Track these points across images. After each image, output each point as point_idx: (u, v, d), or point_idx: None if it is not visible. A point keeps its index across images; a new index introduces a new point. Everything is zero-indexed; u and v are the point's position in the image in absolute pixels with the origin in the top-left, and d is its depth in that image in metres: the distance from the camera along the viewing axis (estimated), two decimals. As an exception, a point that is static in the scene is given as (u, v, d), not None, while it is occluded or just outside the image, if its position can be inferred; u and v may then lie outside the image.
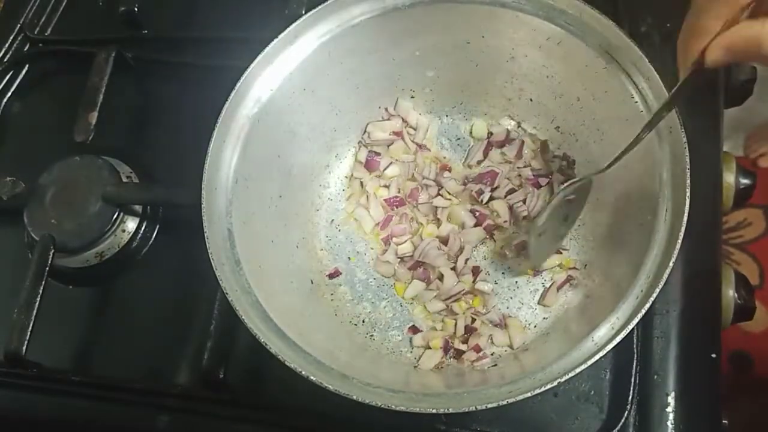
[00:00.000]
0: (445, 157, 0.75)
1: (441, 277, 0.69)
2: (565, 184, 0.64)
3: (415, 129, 0.76)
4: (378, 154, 0.74)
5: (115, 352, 0.73)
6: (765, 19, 0.45)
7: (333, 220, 0.74)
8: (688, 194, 0.55)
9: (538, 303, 0.67)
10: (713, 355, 0.63)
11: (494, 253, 0.70)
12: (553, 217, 0.65)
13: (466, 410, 0.51)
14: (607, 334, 0.53)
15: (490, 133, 0.74)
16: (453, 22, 0.68)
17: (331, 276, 0.70)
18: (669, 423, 0.61)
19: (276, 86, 0.67)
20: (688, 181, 0.55)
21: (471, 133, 0.75)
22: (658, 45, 0.73)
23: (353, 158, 0.76)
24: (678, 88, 0.54)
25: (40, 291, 0.70)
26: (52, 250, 0.72)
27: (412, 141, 0.75)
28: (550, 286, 0.67)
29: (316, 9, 0.66)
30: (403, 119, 0.75)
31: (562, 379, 0.51)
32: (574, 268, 0.67)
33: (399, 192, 0.74)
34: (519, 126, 0.74)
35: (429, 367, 0.64)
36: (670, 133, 0.58)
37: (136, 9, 0.85)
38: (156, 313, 0.74)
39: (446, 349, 0.65)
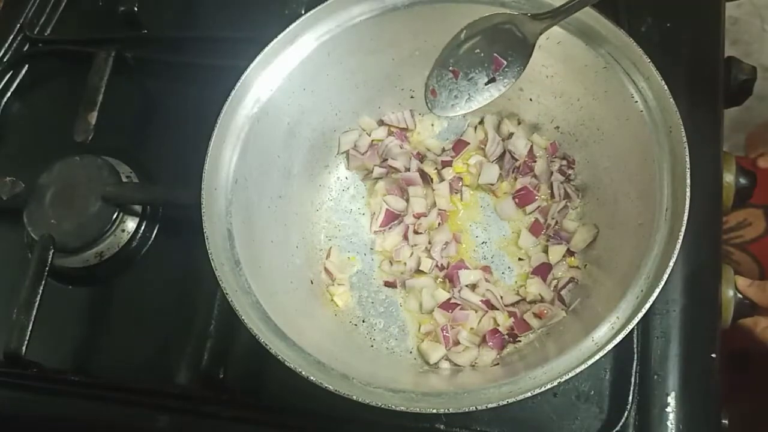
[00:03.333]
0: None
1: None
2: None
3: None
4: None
5: (114, 352, 0.73)
6: None
7: (333, 220, 0.74)
8: (688, 194, 0.55)
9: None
10: (713, 355, 0.63)
11: None
12: (473, 63, 0.62)
13: (466, 410, 0.51)
14: (607, 333, 0.53)
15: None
16: (452, 22, 0.68)
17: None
18: (669, 423, 0.61)
19: (276, 86, 0.67)
20: (688, 181, 0.55)
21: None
22: (658, 45, 0.73)
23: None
24: None
25: (40, 291, 0.70)
26: (52, 250, 0.72)
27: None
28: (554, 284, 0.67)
29: (316, 9, 0.67)
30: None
31: (562, 379, 0.51)
32: (576, 267, 0.67)
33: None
34: (519, 124, 0.74)
35: (436, 360, 0.64)
36: (670, 133, 0.58)
37: (135, 9, 0.85)
38: (156, 313, 0.74)
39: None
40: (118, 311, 0.76)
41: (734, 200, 0.72)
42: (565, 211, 0.69)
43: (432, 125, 0.76)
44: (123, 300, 0.76)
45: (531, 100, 0.72)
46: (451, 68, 0.62)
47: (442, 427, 0.62)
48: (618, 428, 0.60)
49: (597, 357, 0.51)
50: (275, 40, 0.66)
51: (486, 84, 0.62)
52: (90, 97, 0.80)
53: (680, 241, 0.53)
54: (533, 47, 0.60)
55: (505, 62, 0.61)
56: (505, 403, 0.51)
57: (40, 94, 0.90)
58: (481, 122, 0.75)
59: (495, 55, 0.61)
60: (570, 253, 0.68)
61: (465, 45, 0.62)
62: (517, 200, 0.71)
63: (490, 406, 0.51)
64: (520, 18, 0.60)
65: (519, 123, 0.74)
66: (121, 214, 0.75)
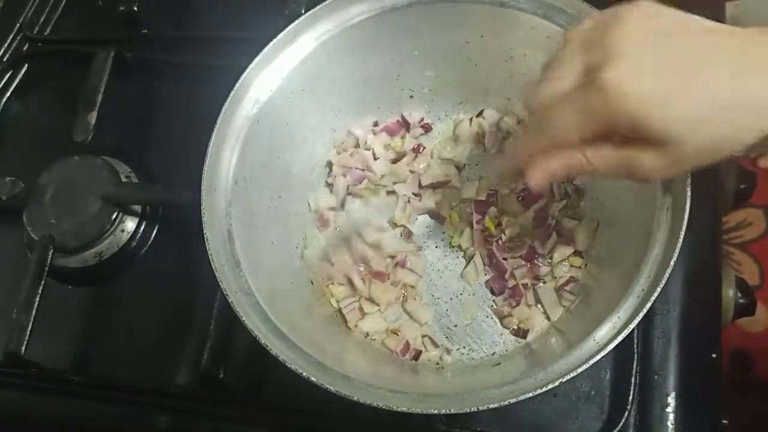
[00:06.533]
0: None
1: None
2: None
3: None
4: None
5: (114, 352, 0.73)
6: (581, 147, 0.48)
7: (333, 220, 0.74)
8: (688, 193, 0.54)
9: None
10: (713, 355, 0.63)
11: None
12: None
13: (468, 411, 0.51)
14: (608, 333, 0.53)
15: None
16: (452, 22, 0.68)
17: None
18: (669, 423, 0.61)
19: (275, 87, 0.66)
20: (688, 180, 0.55)
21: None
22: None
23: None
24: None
25: (40, 291, 0.69)
26: (52, 250, 0.72)
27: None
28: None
29: (315, 9, 0.66)
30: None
31: (564, 379, 0.51)
32: (577, 266, 0.67)
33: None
34: (518, 124, 0.74)
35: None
36: (670, 133, 0.58)
37: (135, 9, 0.85)
38: (155, 313, 0.74)
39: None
40: (118, 311, 0.75)
41: (734, 200, 0.72)
42: (566, 211, 0.69)
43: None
44: (123, 300, 0.76)
45: (531, 99, 0.72)
46: None
47: (442, 427, 0.62)
48: (618, 428, 0.60)
49: (599, 357, 0.51)
50: (275, 40, 0.66)
51: None
52: (90, 97, 0.80)
53: (681, 240, 0.53)
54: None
55: None
56: (506, 403, 0.51)
57: (39, 94, 0.90)
58: (480, 114, 0.75)
59: None
60: (574, 252, 0.68)
61: None
62: (521, 199, 0.71)
63: (491, 406, 0.51)
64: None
65: (519, 123, 0.74)
66: (120, 214, 0.75)
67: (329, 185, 0.74)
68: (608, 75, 0.43)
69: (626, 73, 0.43)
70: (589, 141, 0.47)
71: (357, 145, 0.75)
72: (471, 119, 0.75)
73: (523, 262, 0.68)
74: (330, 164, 0.75)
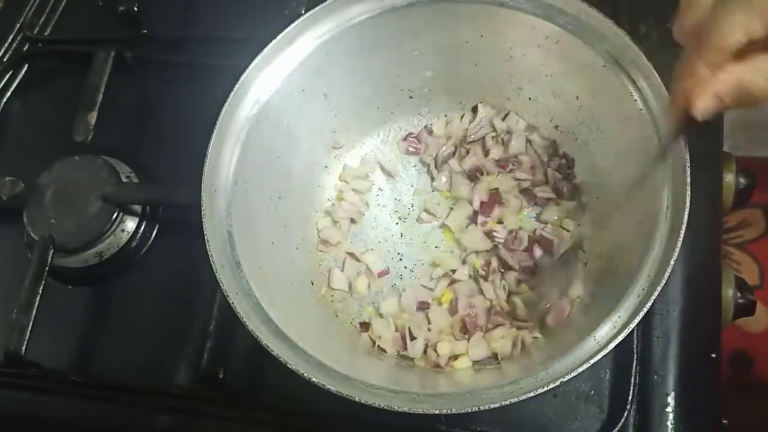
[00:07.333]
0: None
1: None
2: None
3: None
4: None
5: (114, 352, 0.73)
6: (747, 61, 0.45)
7: (332, 221, 0.74)
8: (688, 193, 0.54)
9: None
10: (713, 355, 0.63)
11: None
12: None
13: (469, 410, 0.51)
14: (608, 333, 0.53)
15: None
16: (451, 22, 0.68)
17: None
18: (669, 423, 0.61)
19: (275, 87, 0.66)
20: (689, 179, 0.55)
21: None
22: (658, 44, 0.73)
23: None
24: (669, 138, 0.55)
25: (40, 291, 0.69)
26: (52, 250, 0.72)
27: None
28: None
29: (315, 9, 0.66)
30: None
31: (565, 379, 0.51)
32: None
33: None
34: (517, 123, 0.74)
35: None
36: (670, 132, 0.58)
37: (135, 9, 0.85)
38: (155, 313, 0.74)
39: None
40: (118, 311, 0.76)
41: (734, 200, 0.72)
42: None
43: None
44: (123, 300, 0.76)
45: (530, 99, 0.72)
46: None
47: (442, 427, 0.62)
48: (618, 428, 0.60)
49: (599, 356, 0.51)
50: (275, 41, 0.66)
51: None
52: (90, 97, 0.80)
53: (681, 240, 0.53)
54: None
55: None
56: (507, 403, 0.51)
57: (40, 94, 0.90)
58: (475, 110, 0.75)
59: None
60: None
61: None
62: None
63: (492, 406, 0.51)
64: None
65: (518, 122, 0.74)
66: (121, 214, 0.75)
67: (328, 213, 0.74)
68: None
69: None
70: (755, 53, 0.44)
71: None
72: (470, 121, 0.75)
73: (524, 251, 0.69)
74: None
